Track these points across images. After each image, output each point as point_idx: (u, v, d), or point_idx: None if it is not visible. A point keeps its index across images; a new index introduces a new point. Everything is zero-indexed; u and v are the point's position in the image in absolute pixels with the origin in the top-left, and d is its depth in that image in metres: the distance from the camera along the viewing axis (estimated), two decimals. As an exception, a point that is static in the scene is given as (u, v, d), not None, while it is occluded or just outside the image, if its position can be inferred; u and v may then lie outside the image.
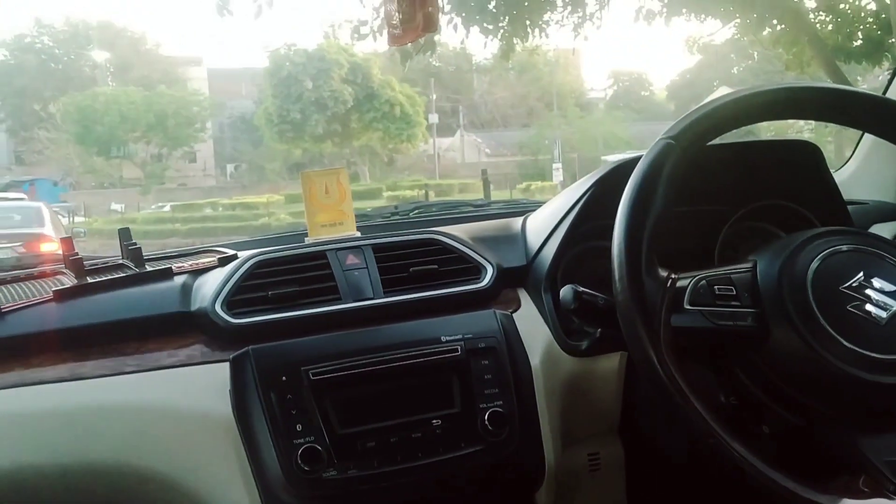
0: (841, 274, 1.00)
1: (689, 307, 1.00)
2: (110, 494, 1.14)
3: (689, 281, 1.01)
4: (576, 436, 1.35)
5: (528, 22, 8.55)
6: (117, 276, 1.33)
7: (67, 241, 1.39)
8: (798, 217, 1.40)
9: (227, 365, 1.17)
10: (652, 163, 1.02)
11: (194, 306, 1.25)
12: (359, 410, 1.16)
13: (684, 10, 8.19)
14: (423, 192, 21.16)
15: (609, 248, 1.02)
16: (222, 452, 1.13)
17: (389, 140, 31.08)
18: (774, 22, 8.04)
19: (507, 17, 8.44)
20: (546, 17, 8.74)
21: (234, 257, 1.35)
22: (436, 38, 8.34)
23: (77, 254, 1.36)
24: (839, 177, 1.64)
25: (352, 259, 1.33)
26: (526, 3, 8.41)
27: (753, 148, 1.46)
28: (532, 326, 1.32)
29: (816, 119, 1.14)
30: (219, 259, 1.37)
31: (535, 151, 32.86)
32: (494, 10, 8.41)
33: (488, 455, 1.18)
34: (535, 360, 1.28)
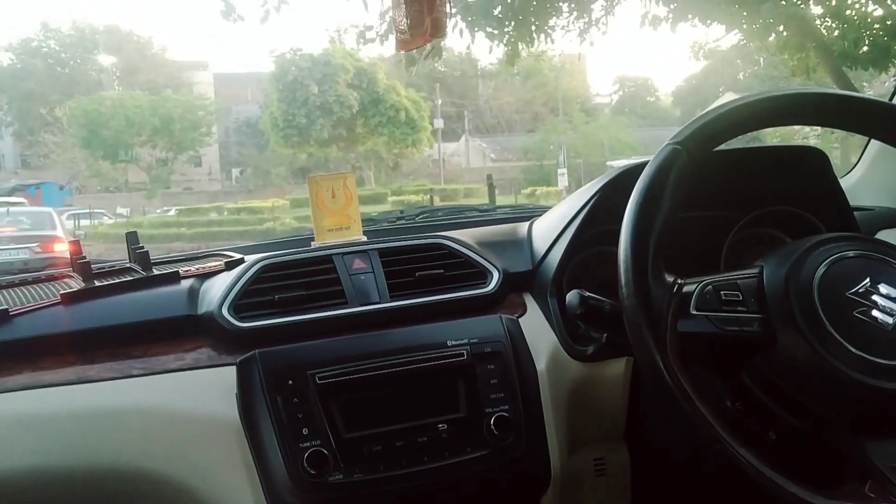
0: (847, 280, 1.00)
1: (695, 312, 1.00)
2: (117, 497, 1.15)
3: (695, 286, 1.01)
4: (581, 441, 1.35)
5: (533, 27, 8.53)
6: (125, 279, 1.33)
7: (76, 244, 1.40)
8: (804, 223, 1.40)
9: (233, 368, 1.17)
10: (659, 168, 1.02)
11: (201, 310, 1.26)
12: (365, 414, 1.16)
13: (690, 16, 8.18)
14: (429, 196, 21.15)
15: (615, 254, 1.02)
16: (228, 456, 1.14)
17: (394, 145, 31.09)
18: (780, 28, 8.03)
19: (512, 23, 8.43)
20: (552, 22, 8.71)
21: (241, 261, 1.35)
22: (441, 43, 8.33)
23: (85, 257, 1.36)
24: (845, 183, 1.64)
25: (358, 263, 1.33)
26: (531, 9, 8.40)
27: (760, 153, 1.46)
28: (538, 331, 1.32)
29: (824, 125, 1.14)
30: (225, 263, 1.38)
31: (541, 156, 32.85)
32: (500, 16, 8.39)
33: (494, 459, 1.18)
34: (540, 364, 1.28)
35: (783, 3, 7.77)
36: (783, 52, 8.44)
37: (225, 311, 1.22)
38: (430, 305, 1.30)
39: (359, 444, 1.14)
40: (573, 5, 8.63)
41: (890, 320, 0.97)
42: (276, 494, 1.11)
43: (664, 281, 1.00)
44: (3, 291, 1.33)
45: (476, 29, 8.32)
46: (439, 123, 33.05)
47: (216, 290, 1.27)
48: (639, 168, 1.09)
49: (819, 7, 8.14)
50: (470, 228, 1.59)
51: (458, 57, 36.66)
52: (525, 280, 1.40)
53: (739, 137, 1.10)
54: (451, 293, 1.33)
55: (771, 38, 8.36)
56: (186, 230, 20.04)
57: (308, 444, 1.11)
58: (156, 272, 1.36)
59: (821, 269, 1.01)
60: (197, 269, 1.38)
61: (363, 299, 1.29)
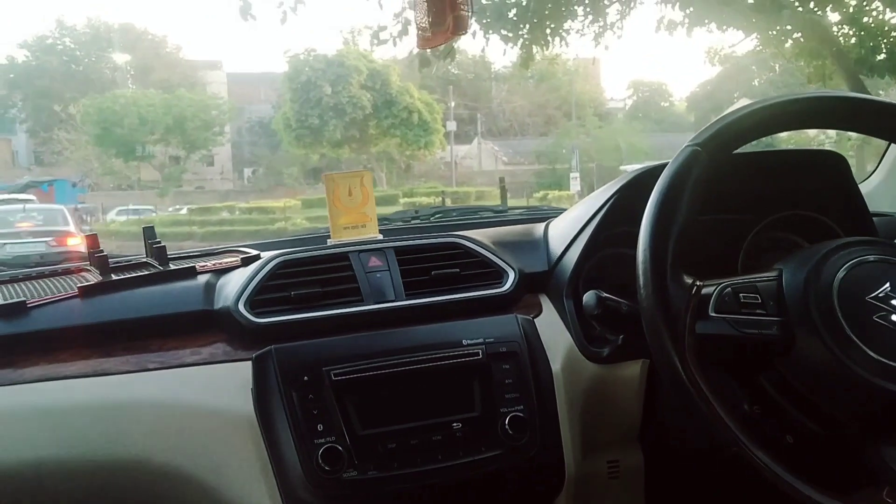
0: (867, 284, 0.99)
1: (714, 314, 1.00)
2: (131, 490, 1.15)
3: (714, 288, 1.01)
4: (596, 442, 1.34)
5: (548, 30, 8.54)
6: (142, 273, 1.33)
7: (93, 238, 1.41)
8: (822, 227, 1.40)
9: (249, 364, 1.17)
10: (678, 169, 1.02)
11: (217, 305, 1.26)
12: (379, 412, 1.16)
13: (707, 21, 8.16)
14: (440, 199, 21.15)
15: (632, 256, 1.02)
16: (243, 450, 1.14)
17: (407, 147, 31.13)
18: (797, 34, 8.01)
19: (527, 26, 8.44)
20: (567, 25, 8.71)
21: (257, 257, 1.35)
22: (455, 45, 8.34)
23: (102, 251, 1.37)
24: (864, 188, 1.63)
25: (374, 261, 1.33)
26: (547, 12, 8.40)
27: (779, 157, 1.45)
28: (553, 332, 1.32)
29: (846, 129, 1.14)
30: (242, 259, 1.38)
31: (553, 160, 32.84)
32: (515, 19, 8.40)
33: (508, 459, 1.18)
34: (556, 365, 1.28)
35: (800, 9, 7.74)
36: (799, 59, 8.42)
37: (241, 307, 1.22)
38: (445, 304, 1.30)
39: (373, 441, 1.14)
40: (588, 9, 8.63)
41: None
42: (290, 490, 1.11)
43: (683, 282, 0.99)
44: (21, 284, 1.34)
45: (491, 31, 8.34)
46: (452, 126, 33.08)
47: (232, 286, 1.27)
48: (657, 170, 1.09)
49: (836, 14, 8.11)
50: (485, 229, 1.58)
51: (472, 59, 36.73)
52: (541, 280, 1.39)
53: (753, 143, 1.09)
54: (466, 292, 1.33)
55: (788, 45, 8.33)
56: (198, 229, 20.12)
57: (323, 440, 1.11)
58: (172, 267, 1.37)
59: (840, 273, 1.00)
60: (213, 264, 1.38)
61: (379, 297, 1.29)
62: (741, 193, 1.36)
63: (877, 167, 1.86)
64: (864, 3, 7.87)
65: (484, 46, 8.83)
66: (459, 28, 1.01)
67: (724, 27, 8.42)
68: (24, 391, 1.13)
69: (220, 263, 1.38)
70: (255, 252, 1.43)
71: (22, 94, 36.63)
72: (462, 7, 0.98)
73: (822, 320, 0.97)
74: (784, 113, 1.06)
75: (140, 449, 1.13)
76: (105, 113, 30.19)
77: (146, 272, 1.34)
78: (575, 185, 25.56)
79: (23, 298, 1.23)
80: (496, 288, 1.34)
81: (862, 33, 7.79)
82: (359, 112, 29.35)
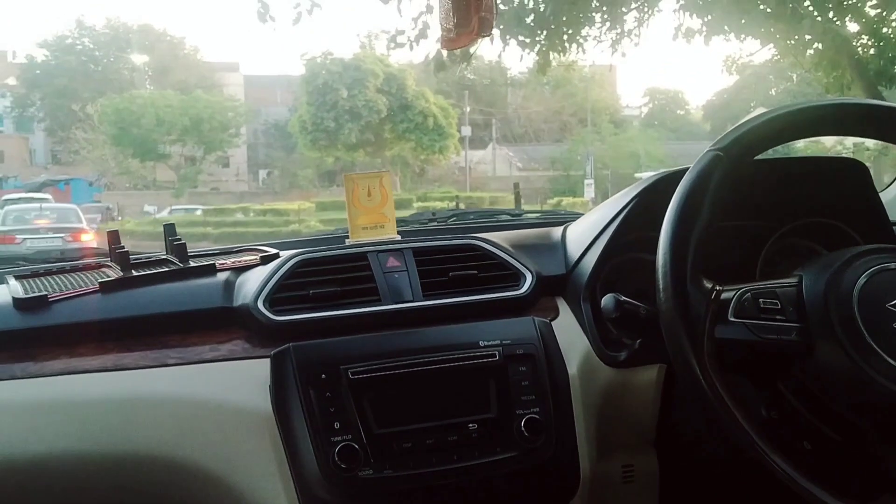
0: (888, 291, 0.99)
1: (733, 319, 1.00)
2: (149, 483, 1.16)
3: (733, 293, 1.01)
4: (611, 446, 1.34)
5: (565, 37, 8.53)
6: (162, 270, 1.34)
7: (113, 234, 1.42)
8: (842, 235, 1.39)
9: (267, 361, 1.18)
10: (700, 173, 1.02)
11: (237, 302, 1.27)
12: (396, 411, 1.16)
13: (725, 29, 8.13)
14: (454, 204, 21.17)
15: (650, 261, 1.02)
16: (260, 447, 1.14)
17: (422, 151, 31.18)
18: (817, 45, 7.97)
19: (544, 32, 8.41)
20: (584, 32, 8.70)
21: (277, 256, 1.36)
22: (472, 50, 8.34)
23: (123, 247, 1.38)
24: (885, 196, 1.62)
25: (392, 261, 1.33)
26: (564, 18, 8.39)
27: (799, 164, 1.45)
28: (570, 335, 1.32)
29: (867, 136, 1.13)
30: (261, 257, 1.39)
31: (567, 167, 32.81)
32: (532, 24, 8.38)
33: (523, 461, 1.18)
34: (572, 368, 1.28)
35: (819, 19, 7.71)
36: (818, 69, 8.38)
37: (260, 305, 1.23)
38: (462, 306, 1.31)
39: (389, 440, 1.14)
40: (606, 16, 8.61)
41: None
42: (306, 487, 1.12)
43: (703, 287, 0.99)
44: (43, 279, 1.35)
45: (508, 37, 8.32)
46: (467, 131, 33.12)
47: (252, 284, 1.27)
48: (676, 175, 1.09)
49: (855, 24, 8.07)
50: (502, 231, 1.59)
51: (488, 65, 36.79)
52: (558, 284, 1.39)
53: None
54: (483, 294, 1.33)
55: (808, 54, 8.30)
56: (212, 230, 20.18)
57: (339, 438, 1.11)
58: (192, 264, 1.37)
59: (861, 280, 1.00)
60: (233, 262, 1.39)
61: (396, 297, 1.29)
62: (761, 200, 1.36)
63: (896, 177, 1.85)
64: (884, 14, 7.82)
65: (500, 52, 8.83)
66: (484, 29, 1.01)
67: (742, 36, 8.39)
68: (44, 384, 1.14)
69: (240, 261, 1.39)
70: (274, 251, 1.44)
71: (40, 93, 36.94)
72: (487, 8, 0.98)
73: (841, 327, 0.97)
74: (806, 119, 1.06)
75: (158, 443, 1.14)
76: (122, 113, 30.40)
77: (166, 269, 1.35)
78: (589, 192, 25.54)
79: (45, 293, 1.24)
80: (513, 290, 1.34)
81: (881, 44, 7.75)
82: (374, 116, 29.43)
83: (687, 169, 1.05)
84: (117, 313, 1.24)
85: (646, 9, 8.60)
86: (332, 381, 1.15)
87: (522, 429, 1.18)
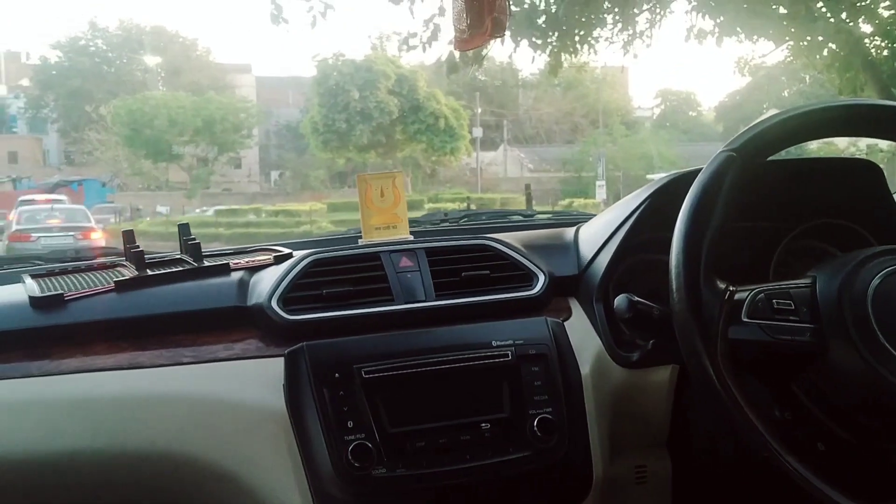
0: None
1: (746, 320, 0.99)
2: (162, 481, 1.16)
3: (747, 294, 1.01)
4: (623, 447, 1.34)
5: (577, 38, 8.51)
6: (176, 269, 1.35)
7: (128, 233, 1.43)
8: (856, 237, 1.38)
9: (281, 360, 1.18)
10: (713, 174, 1.02)
11: (251, 302, 1.27)
12: (409, 410, 1.17)
13: (738, 30, 8.10)
14: (465, 205, 21.16)
15: (663, 262, 1.02)
16: (274, 445, 1.15)
17: (433, 152, 31.22)
18: (832, 46, 7.93)
19: (556, 33, 8.39)
20: (596, 33, 8.67)
21: (290, 256, 1.37)
22: (483, 51, 8.33)
23: (138, 246, 1.39)
24: (898, 199, 1.61)
25: (405, 261, 1.33)
26: (576, 19, 8.37)
27: (813, 165, 1.45)
28: (583, 336, 1.32)
29: (881, 137, 1.13)
30: (275, 257, 1.39)
31: (579, 168, 32.79)
32: (544, 26, 8.36)
33: (536, 461, 1.18)
34: (584, 369, 1.28)
35: (832, 20, 7.68)
36: (831, 70, 8.34)
37: (274, 304, 1.23)
38: (475, 306, 1.31)
39: (403, 439, 1.14)
40: (618, 17, 8.58)
41: None
42: (320, 485, 1.12)
43: (716, 287, 0.99)
44: (58, 278, 1.36)
45: (519, 38, 8.30)
46: (478, 132, 33.17)
47: (266, 283, 1.28)
48: (689, 175, 1.09)
49: (869, 26, 8.03)
50: (514, 232, 1.59)
51: (499, 66, 36.81)
52: (571, 284, 1.39)
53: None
54: (496, 294, 1.33)
55: (821, 56, 8.26)
56: (224, 231, 20.26)
57: (353, 437, 1.12)
58: (206, 264, 1.38)
59: (875, 281, 0.99)
60: (247, 262, 1.39)
61: (409, 297, 1.29)
62: (774, 201, 1.35)
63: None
64: (898, 15, 7.79)
65: (512, 53, 8.83)
66: (497, 30, 1.01)
67: (755, 37, 8.36)
68: (60, 382, 1.15)
69: (254, 261, 1.40)
70: (287, 251, 1.44)
71: (54, 95, 37.19)
72: (500, 8, 0.99)
73: (855, 328, 0.97)
74: (820, 120, 1.05)
75: (172, 441, 1.14)
76: (135, 114, 30.56)
77: (181, 268, 1.36)
78: (601, 194, 25.49)
79: (60, 291, 1.25)
80: (526, 290, 1.34)
81: (894, 45, 7.71)
82: (385, 117, 29.49)
83: (699, 170, 1.05)
84: (132, 312, 1.25)
85: (658, 10, 8.57)
86: (346, 380, 1.15)
87: (535, 429, 1.18)
